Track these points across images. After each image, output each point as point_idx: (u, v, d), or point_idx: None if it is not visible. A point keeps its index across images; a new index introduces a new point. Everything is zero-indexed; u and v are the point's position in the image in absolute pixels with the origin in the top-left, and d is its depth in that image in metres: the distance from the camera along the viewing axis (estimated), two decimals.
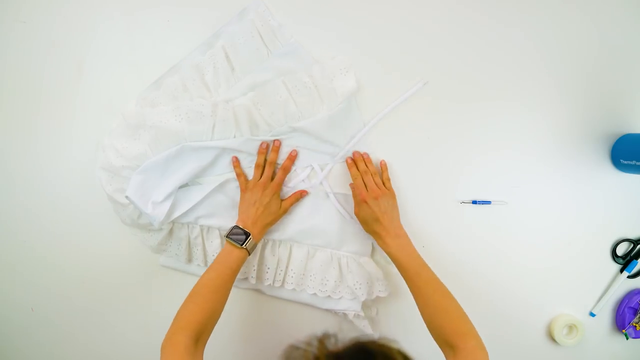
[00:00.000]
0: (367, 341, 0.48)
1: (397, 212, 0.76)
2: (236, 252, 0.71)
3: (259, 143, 0.77)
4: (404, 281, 0.69)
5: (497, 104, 0.78)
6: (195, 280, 0.69)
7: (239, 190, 0.79)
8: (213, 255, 0.80)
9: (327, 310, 0.82)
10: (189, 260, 0.82)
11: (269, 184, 0.76)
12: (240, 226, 0.73)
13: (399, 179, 0.80)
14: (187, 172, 0.76)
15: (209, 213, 0.79)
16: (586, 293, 0.83)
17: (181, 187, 0.78)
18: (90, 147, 0.81)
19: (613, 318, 0.84)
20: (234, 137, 0.76)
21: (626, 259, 0.82)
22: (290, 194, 0.79)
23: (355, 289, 0.78)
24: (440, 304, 0.65)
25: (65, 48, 0.80)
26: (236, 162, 0.78)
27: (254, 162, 0.78)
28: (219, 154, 0.77)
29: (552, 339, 0.83)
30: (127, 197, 0.73)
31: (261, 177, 0.77)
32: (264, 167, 0.77)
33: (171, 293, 0.83)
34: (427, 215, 0.80)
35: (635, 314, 0.82)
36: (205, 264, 0.81)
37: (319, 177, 0.79)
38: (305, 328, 0.84)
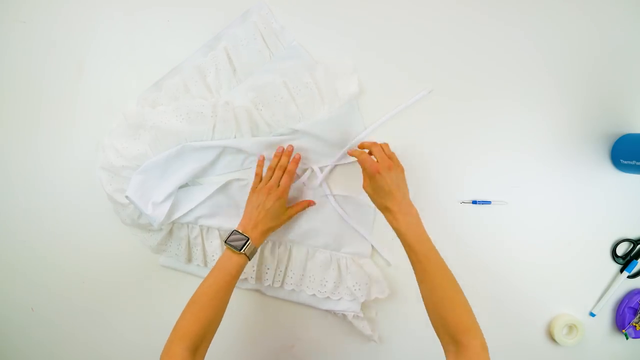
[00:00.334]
0: None
1: (407, 188, 0.71)
2: (235, 258, 0.69)
3: (259, 143, 0.77)
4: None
5: (497, 104, 0.78)
6: (195, 280, 0.69)
7: (239, 190, 0.79)
8: (213, 255, 0.80)
9: (326, 310, 0.82)
10: (189, 260, 0.82)
11: (275, 188, 0.74)
12: (240, 230, 0.72)
13: None
14: (188, 173, 0.76)
15: (208, 213, 0.79)
16: (586, 293, 0.83)
17: (181, 187, 0.78)
18: (90, 147, 0.81)
19: (613, 318, 0.84)
20: (234, 137, 0.76)
21: (626, 259, 0.82)
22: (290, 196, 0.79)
23: (355, 290, 0.78)
24: (447, 293, 0.61)
25: (65, 48, 0.80)
26: (260, 162, 0.77)
27: (255, 162, 0.78)
28: (219, 154, 0.78)
29: (552, 338, 0.83)
30: (127, 197, 0.73)
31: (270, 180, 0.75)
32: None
33: (171, 293, 0.84)
34: (427, 215, 0.79)
35: (635, 314, 0.82)
36: (205, 264, 0.81)
37: (318, 178, 0.79)
38: (305, 329, 0.84)
